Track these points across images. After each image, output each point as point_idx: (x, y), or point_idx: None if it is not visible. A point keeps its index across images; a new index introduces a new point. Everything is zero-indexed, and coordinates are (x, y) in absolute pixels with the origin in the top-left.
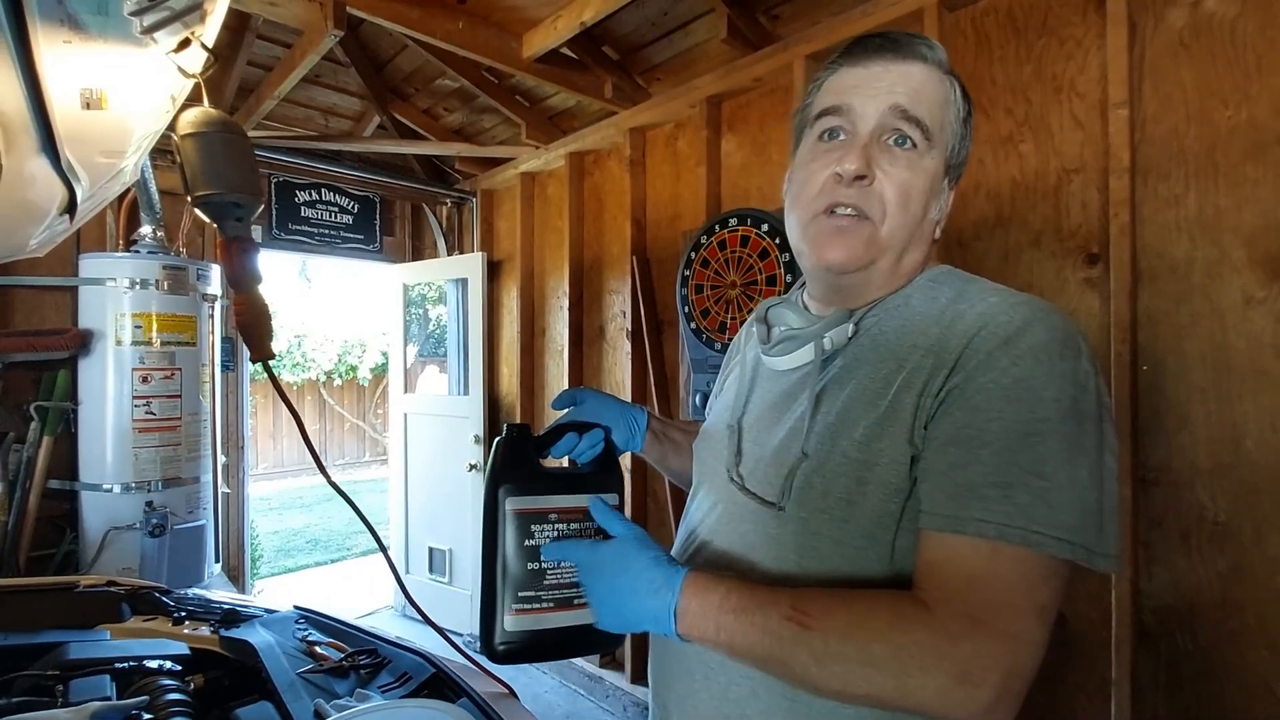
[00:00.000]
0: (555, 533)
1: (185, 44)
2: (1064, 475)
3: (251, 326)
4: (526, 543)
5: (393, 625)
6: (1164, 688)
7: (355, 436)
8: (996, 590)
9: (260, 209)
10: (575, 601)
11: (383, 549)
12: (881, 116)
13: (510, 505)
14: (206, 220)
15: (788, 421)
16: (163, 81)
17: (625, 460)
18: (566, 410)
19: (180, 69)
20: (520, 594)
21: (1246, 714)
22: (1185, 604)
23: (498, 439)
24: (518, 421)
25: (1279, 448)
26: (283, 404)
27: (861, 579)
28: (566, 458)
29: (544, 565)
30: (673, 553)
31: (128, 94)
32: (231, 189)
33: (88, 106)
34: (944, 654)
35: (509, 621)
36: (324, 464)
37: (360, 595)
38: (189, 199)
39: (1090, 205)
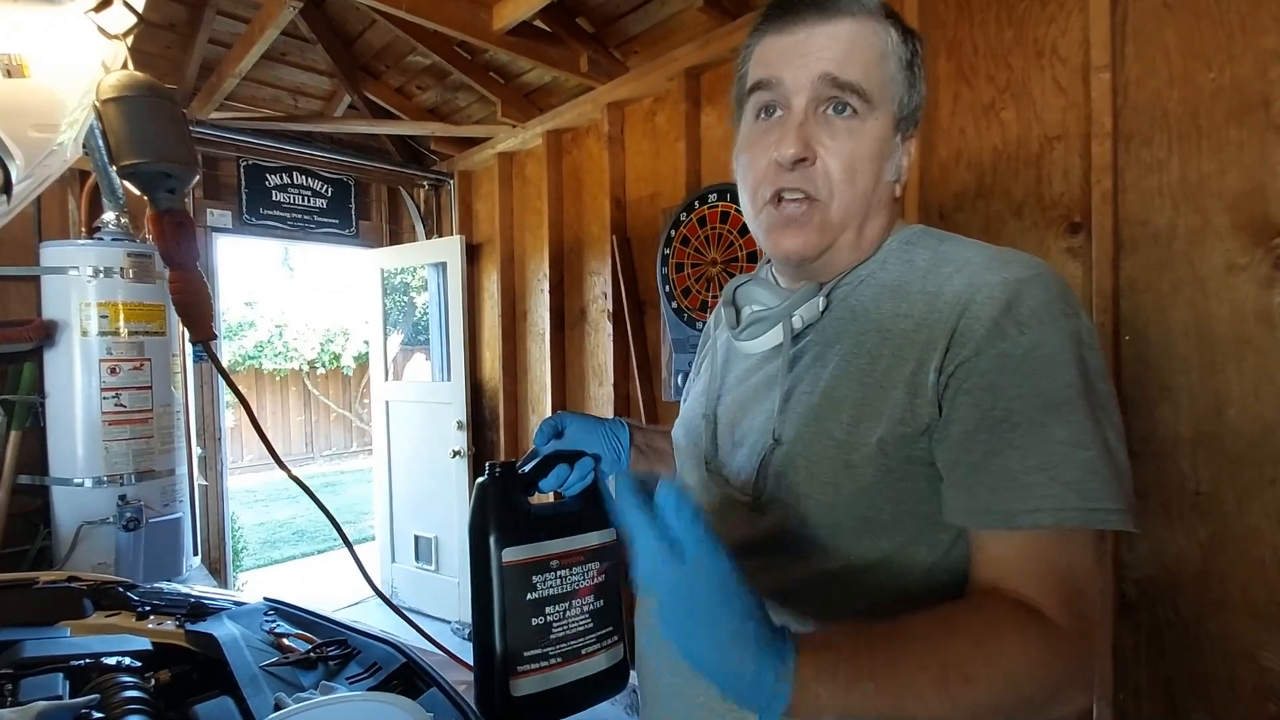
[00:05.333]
0: (559, 581)
1: (107, 3)
2: (1101, 440)
3: (189, 305)
4: (529, 596)
5: (378, 616)
6: (1146, 659)
7: (341, 427)
8: (1080, 578)
9: (196, 180)
10: (584, 651)
11: (341, 534)
12: (813, 87)
13: (507, 557)
14: (136, 192)
15: (764, 407)
16: (89, 46)
17: None
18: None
19: (100, 29)
20: (526, 654)
21: (1229, 682)
22: (1167, 574)
23: (480, 481)
24: (500, 460)
25: (1261, 416)
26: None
27: (853, 555)
28: (552, 492)
29: (549, 618)
30: None
31: (51, 60)
32: (161, 157)
33: (8, 74)
34: (1078, 668)
35: (516, 686)
36: (276, 451)
37: (346, 586)
38: (114, 169)
39: (1072, 173)
